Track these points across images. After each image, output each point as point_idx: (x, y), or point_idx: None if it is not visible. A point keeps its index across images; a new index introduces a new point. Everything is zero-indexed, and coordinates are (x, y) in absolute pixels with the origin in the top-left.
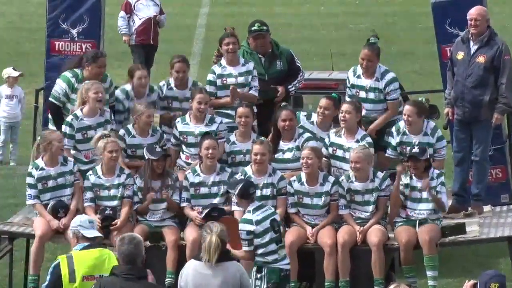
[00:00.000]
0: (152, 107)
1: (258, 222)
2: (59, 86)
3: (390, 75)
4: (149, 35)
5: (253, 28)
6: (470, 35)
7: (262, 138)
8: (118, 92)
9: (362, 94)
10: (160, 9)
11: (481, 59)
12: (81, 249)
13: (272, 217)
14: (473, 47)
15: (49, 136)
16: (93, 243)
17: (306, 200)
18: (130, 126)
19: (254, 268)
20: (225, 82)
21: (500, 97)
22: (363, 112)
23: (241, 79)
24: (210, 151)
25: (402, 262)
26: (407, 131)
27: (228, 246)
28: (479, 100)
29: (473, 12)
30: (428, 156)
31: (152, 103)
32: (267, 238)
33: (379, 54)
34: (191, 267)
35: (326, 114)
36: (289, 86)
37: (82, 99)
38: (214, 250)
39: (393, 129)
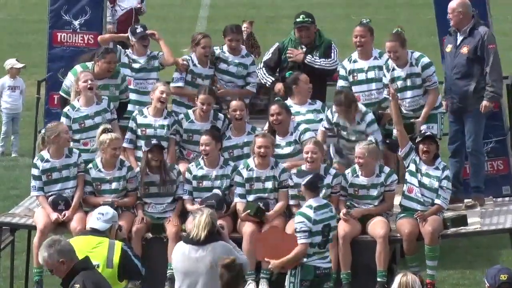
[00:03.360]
0: (167, 84)
1: (315, 222)
2: (69, 79)
3: (386, 56)
4: (130, 26)
5: (297, 20)
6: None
7: (263, 131)
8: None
9: (361, 76)
10: None
11: (464, 50)
12: (80, 235)
13: (327, 222)
14: (459, 39)
15: (56, 128)
16: (89, 231)
17: None
18: (145, 108)
19: (289, 272)
20: (217, 65)
21: (487, 85)
22: (366, 97)
23: (232, 69)
24: (204, 147)
25: (406, 252)
26: (395, 66)
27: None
28: (464, 90)
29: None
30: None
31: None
32: (313, 240)
33: (373, 32)
34: (180, 251)
35: (280, 119)
36: (308, 57)
37: (75, 91)
38: (204, 227)
39: (384, 68)
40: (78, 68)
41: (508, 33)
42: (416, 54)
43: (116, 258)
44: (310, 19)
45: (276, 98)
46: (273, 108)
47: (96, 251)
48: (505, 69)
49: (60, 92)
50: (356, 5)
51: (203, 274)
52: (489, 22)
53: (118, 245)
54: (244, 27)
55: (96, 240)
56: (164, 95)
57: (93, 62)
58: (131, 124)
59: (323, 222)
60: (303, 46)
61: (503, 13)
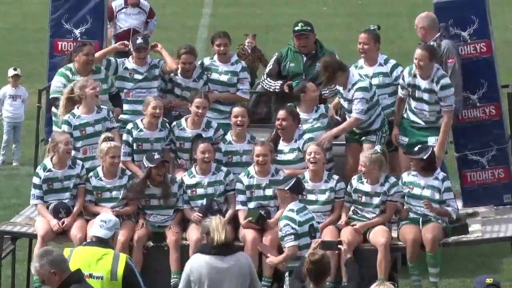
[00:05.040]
0: (160, 99)
1: (300, 224)
2: (56, 80)
3: (393, 61)
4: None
5: (296, 28)
6: None
7: (262, 139)
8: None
9: None
10: (148, 14)
11: None
12: (83, 245)
13: (311, 222)
14: None
15: (56, 138)
16: (93, 241)
17: (310, 197)
18: (139, 121)
19: (287, 273)
20: (209, 75)
21: None
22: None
23: (223, 77)
24: (206, 154)
25: (408, 260)
26: (417, 74)
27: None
28: None
29: None
30: (425, 157)
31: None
32: (302, 242)
33: (378, 40)
34: (203, 261)
35: (284, 125)
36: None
37: (76, 96)
38: (223, 228)
39: (406, 71)
40: (61, 70)
41: (510, 41)
42: (440, 72)
43: (120, 271)
44: (309, 28)
45: (288, 104)
46: (280, 113)
47: (100, 263)
48: (508, 77)
49: (51, 95)
50: (357, 14)
51: (231, 284)
52: (490, 30)
53: (123, 257)
54: (248, 42)
55: (101, 252)
56: (157, 111)
57: (73, 62)
58: (127, 137)
59: (308, 222)
60: (303, 56)
61: (504, 21)
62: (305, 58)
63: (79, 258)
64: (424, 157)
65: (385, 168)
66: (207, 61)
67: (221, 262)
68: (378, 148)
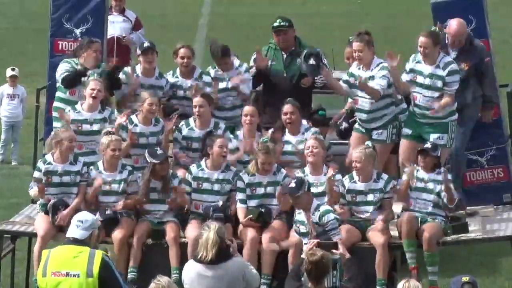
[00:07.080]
0: (156, 95)
1: None
2: (62, 66)
3: (455, 67)
4: (112, 54)
5: (274, 24)
6: None
7: (265, 141)
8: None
9: (420, 79)
10: (134, 24)
11: (462, 65)
12: (60, 245)
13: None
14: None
15: (60, 134)
16: (70, 240)
17: (312, 190)
18: (133, 116)
19: (338, 263)
20: (217, 85)
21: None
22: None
23: (231, 84)
24: (224, 149)
25: (404, 236)
26: (421, 60)
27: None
28: (461, 100)
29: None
30: (439, 154)
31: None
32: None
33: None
34: (194, 271)
35: (293, 119)
36: (316, 78)
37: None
38: (212, 247)
39: (411, 58)
40: (66, 59)
41: (509, 41)
42: (447, 59)
43: (96, 267)
44: (287, 23)
45: (288, 99)
46: (286, 107)
47: (76, 260)
48: (507, 77)
49: (62, 75)
50: (355, 15)
51: None
52: (488, 30)
53: (99, 254)
54: None
55: (76, 250)
56: (153, 107)
57: (77, 57)
58: (123, 134)
59: None
60: (283, 53)
61: (503, 21)
62: (285, 55)
63: (56, 258)
64: (439, 155)
65: (376, 164)
66: (211, 72)
67: (209, 270)
68: (369, 143)
